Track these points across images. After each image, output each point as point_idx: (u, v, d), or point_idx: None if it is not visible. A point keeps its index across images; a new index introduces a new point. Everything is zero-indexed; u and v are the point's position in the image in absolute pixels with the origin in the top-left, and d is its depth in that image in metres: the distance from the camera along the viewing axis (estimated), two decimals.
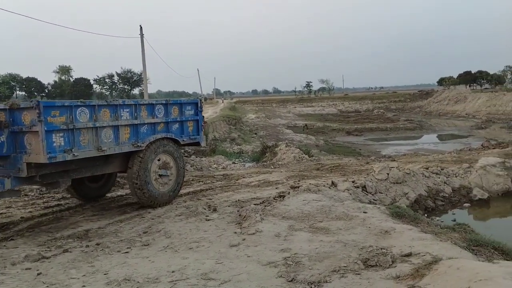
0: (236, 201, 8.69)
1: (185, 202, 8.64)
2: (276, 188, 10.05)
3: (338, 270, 4.82)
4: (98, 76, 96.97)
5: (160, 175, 8.20)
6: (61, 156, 6.51)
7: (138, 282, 4.76)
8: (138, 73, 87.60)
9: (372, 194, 10.22)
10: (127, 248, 6.02)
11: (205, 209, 7.98)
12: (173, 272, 5.00)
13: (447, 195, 11.33)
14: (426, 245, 5.45)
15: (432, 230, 6.60)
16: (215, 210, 7.96)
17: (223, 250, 5.73)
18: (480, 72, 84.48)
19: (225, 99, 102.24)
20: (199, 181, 11.33)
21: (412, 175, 11.30)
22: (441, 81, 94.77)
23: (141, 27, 32.22)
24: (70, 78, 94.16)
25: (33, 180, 6.90)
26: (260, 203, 8.28)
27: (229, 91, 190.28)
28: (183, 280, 4.74)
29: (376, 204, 9.09)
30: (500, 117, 45.73)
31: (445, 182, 11.69)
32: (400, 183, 10.89)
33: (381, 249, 5.35)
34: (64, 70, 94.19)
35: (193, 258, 5.46)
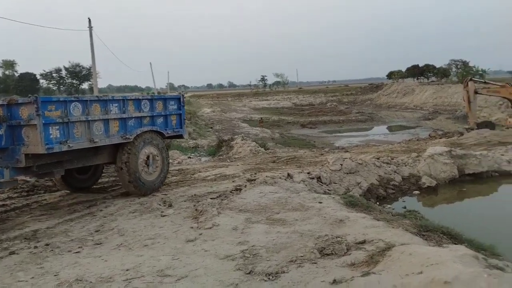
0: (192, 195, 8.57)
1: (139, 198, 8.44)
2: (233, 181, 10.01)
3: (295, 260, 4.86)
4: (45, 71, 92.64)
5: (146, 166, 8.68)
6: (58, 147, 7.01)
7: (91, 282, 4.59)
8: (87, 67, 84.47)
9: (327, 185, 10.41)
10: (78, 247, 5.80)
11: (160, 205, 7.83)
12: (127, 270, 4.86)
13: (397, 184, 11.72)
14: (379, 232, 5.61)
15: (384, 217, 6.80)
16: (170, 205, 7.82)
17: (180, 245, 5.64)
18: (427, 65, 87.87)
19: (179, 93, 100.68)
20: None
21: (364, 165, 11.60)
22: (390, 75, 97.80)
23: (89, 20, 31.15)
24: (15, 73, 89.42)
25: (30, 170, 7.30)
26: (217, 197, 8.22)
27: (183, 86, 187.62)
28: (138, 278, 4.62)
29: (330, 194, 9.26)
30: (446, 108, 47.85)
31: (395, 171, 12.08)
32: (353, 173, 11.15)
33: (336, 237, 5.44)
34: (8, 64, 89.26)
35: (148, 255, 5.33)
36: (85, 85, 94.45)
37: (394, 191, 11.44)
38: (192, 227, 6.42)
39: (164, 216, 7.16)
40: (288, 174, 10.16)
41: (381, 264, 4.40)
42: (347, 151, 16.97)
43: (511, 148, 16.28)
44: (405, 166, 12.51)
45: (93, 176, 9.85)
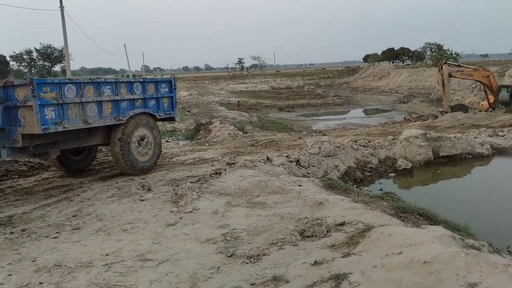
0: (171, 180, 8.50)
1: (117, 183, 8.32)
2: (212, 165, 9.97)
3: (276, 243, 4.90)
4: (15, 53, 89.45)
5: (139, 147, 8.92)
6: (53, 128, 7.23)
7: (70, 267, 4.53)
8: (60, 48, 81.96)
9: (306, 168, 10.48)
10: (56, 233, 5.70)
11: (138, 189, 7.74)
12: (107, 255, 4.80)
13: (374, 166, 11.90)
14: (358, 214, 5.69)
15: (362, 199, 6.90)
16: (149, 190, 7.75)
17: (160, 230, 5.60)
18: (402, 49, 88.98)
19: (154, 75, 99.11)
20: None
21: (342, 148, 11.72)
22: (366, 58, 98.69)
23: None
24: None
25: (27, 150, 7.51)
26: (196, 181, 8.18)
27: (159, 68, 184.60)
28: (118, 263, 4.57)
29: (309, 177, 9.33)
30: (421, 92, 48.61)
31: (372, 154, 12.26)
32: (331, 156, 11.26)
33: (316, 220, 5.50)
34: None
35: (128, 239, 5.27)
36: (57, 67, 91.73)
37: (371, 174, 11.62)
38: (172, 211, 6.38)
39: (143, 200, 7.09)
40: (267, 158, 10.18)
41: (361, 245, 4.47)
42: (325, 135, 17.12)
43: (484, 131, 16.74)
44: (382, 149, 12.69)
45: (87, 157, 10.03)
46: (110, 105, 8.29)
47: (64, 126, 7.38)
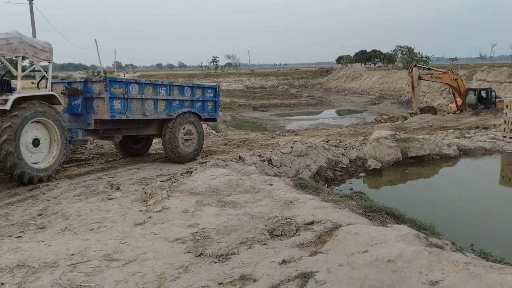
0: (141, 178, 8.40)
1: (84, 181, 8.15)
2: (183, 164, 9.89)
3: (246, 242, 4.89)
4: None
5: (185, 140, 10.34)
6: (119, 116, 8.95)
7: (34, 267, 4.40)
8: None
9: (278, 167, 10.53)
10: (20, 232, 5.53)
11: (107, 188, 7.60)
12: (72, 255, 4.69)
13: (345, 166, 12.07)
14: (327, 213, 5.74)
15: (332, 199, 6.97)
16: (118, 188, 7.61)
17: (128, 229, 5.51)
18: (374, 51, 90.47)
19: (127, 72, 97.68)
20: (100, 159, 10.75)
21: (314, 148, 11.83)
22: (340, 59, 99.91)
23: None
24: None
25: (97, 132, 9.30)
26: (167, 179, 8.09)
27: (131, 65, 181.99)
28: (84, 263, 4.47)
29: (281, 176, 9.38)
30: (391, 93, 49.64)
31: (343, 154, 12.43)
32: (303, 156, 11.35)
33: (286, 219, 5.52)
34: None
35: (94, 239, 5.17)
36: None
37: (342, 173, 11.77)
38: (141, 210, 6.29)
39: (111, 199, 6.96)
40: (240, 157, 10.18)
41: (328, 244, 4.52)
42: (298, 134, 17.26)
43: (451, 133, 17.22)
44: (353, 149, 12.88)
45: (144, 147, 11.65)
46: (164, 103, 9.87)
47: (127, 116, 9.06)
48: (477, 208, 9.49)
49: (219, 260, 4.42)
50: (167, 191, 6.98)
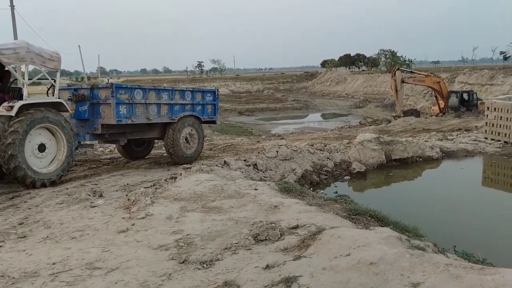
0: (124, 185, 8.32)
1: (66, 189, 8.05)
2: (168, 169, 9.83)
3: (230, 247, 4.87)
4: None
5: (186, 142, 10.83)
6: (124, 121, 9.40)
7: (14, 278, 4.31)
8: None
9: (263, 172, 10.53)
10: (0, 241, 5.43)
11: (89, 195, 7.51)
12: (54, 264, 4.62)
13: (330, 170, 12.12)
14: (311, 217, 5.75)
15: (316, 202, 6.99)
16: (101, 195, 7.53)
17: (110, 237, 5.44)
18: (358, 55, 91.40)
19: (111, 78, 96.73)
20: (83, 166, 10.62)
21: (299, 152, 11.87)
22: (324, 64, 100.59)
23: None
24: None
25: (103, 136, 9.79)
26: (151, 186, 8.03)
27: (115, 70, 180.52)
28: (65, 272, 4.40)
29: (266, 181, 9.37)
30: (375, 97, 50.13)
31: (328, 158, 12.48)
32: (289, 160, 11.37)
33: (271, 223, 5.52)
34: None
35: (76, 247, 5.09)
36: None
37: (326, 177, 11.82)
38: (124, 218, 6.22)
39: (94, 207, 6.88)
40: (225, 162, 10.15)
41: (312, 248, 4.52)
42: (283, 138, 17.31)
43: (434, 135, 17.45)
44: (337, 152, 12.95)
45: (145, 150, 12.21)
46: (167, 107, 10.36)
47: (132, 120, 9.52)
48: (460, 209, 9.61)
49: (203, 267, 4.40)
50: (151, 198, 6.92)
